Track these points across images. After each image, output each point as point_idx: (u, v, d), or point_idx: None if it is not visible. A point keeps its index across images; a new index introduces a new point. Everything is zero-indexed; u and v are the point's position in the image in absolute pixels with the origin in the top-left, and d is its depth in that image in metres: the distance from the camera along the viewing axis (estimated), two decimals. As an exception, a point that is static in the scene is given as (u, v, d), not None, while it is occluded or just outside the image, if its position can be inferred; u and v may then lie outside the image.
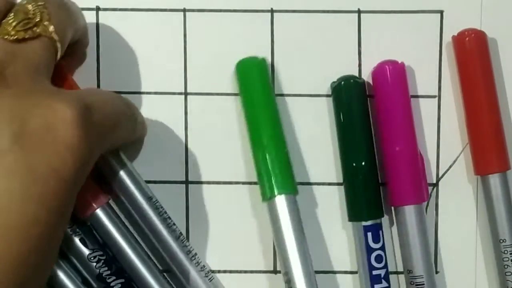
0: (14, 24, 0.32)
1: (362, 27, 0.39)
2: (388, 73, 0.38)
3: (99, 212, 0.36)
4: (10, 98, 0.30)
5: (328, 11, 0.39)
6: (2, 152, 0.29)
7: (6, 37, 0.32)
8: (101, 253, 0.36)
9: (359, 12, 0.39)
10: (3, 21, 0.32)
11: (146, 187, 0.37)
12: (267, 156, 0.38)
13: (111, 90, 0.39)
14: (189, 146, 0.40)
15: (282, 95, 0.40)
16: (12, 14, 0.32)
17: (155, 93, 0.39)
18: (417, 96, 0.39)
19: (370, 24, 0.39)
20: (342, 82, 0.38)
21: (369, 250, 0.38)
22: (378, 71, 0.38)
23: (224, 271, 0.40)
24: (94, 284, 0.36)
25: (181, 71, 0.40)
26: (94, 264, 0.36)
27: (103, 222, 0.36)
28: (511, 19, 0.39)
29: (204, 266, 0.38)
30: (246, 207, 0.40)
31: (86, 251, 0.36)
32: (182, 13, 0.40)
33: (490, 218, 0.39)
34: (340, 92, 0.39)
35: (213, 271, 0.40)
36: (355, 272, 0.40)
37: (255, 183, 0.40)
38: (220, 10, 0.39)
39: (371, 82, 0.39)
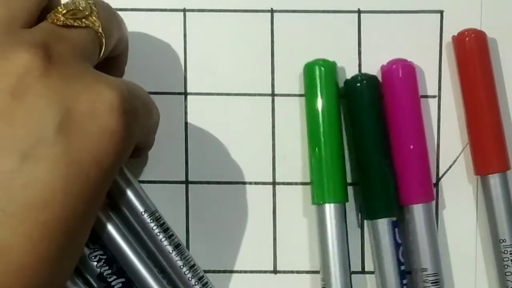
0: (63, 12, 0.32)
1: (362, 27, 0.39)
2: (398, 71, 0.38)
3: (101, 215, 0.36)
4: (57, 79, 0.29)
5: (328, 11, 0.39)
6: (47, 142, 0.28)
7: (54, 21, 0.32)
8: (101, 252, 0.36)
9: (359, 12, 0.39)
10: (53, 10, 0.32)
11: (144, 197, 0.37)
12: (323, 163, 0.38)
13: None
14: (189, 146, 0.40)
15: (281, 95, 0.40)
16: (63, 5, 0.32)
17: (155, 93, 0.39)
18: (423, 97, 0.39)
19: (370, 24, 0.39)
20: (358, 83, 0.38)
21: (397, 246, 0.38)
22: (388, 69, 0.38)
23: (224, 271, 0.40)
24: (94, 284, 0.36)
25: (181, 71, 0.40)
26: (95, 263, 0.35)
27: (105, 224, 0.36)
28: (511, 19, 0.39)
29: (202, 277, 0.38)
30: (246, 207, 0.40)
31: (86, 250, 0.36)
32: (182, 13, 0.40)
33: (490, 218, 0.39)
34: (354, 90, 0.38)
35: (213, 271, 0.40)
36: (359, 272, 0.40)
37: (255, 183, 0.40)
38: (220, 10, 0.39)
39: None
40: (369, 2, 0.39)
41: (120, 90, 0.30)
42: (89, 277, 0.36)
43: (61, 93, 0.29)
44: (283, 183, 0.40)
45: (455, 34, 0.39)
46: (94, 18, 0.33)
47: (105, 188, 0.31)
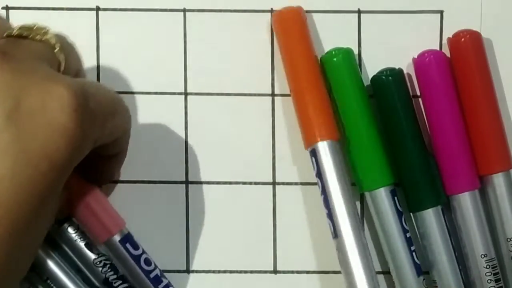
0: (18, 26, 0.32)
1: (362, 27, 0.40)
2: (433, 63, 0.38)
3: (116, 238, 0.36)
4: (9, 73, 0.30)
5: (328, 11, 0.39)
6: None
7: (9, 33, 0.32)
8: (106, 257, 0.36)
9: (359, 12, 0.39)
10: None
11: None
12: (366, 151, 0.38)
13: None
14: (189, 146, 0.40)
15: (281, 95, 0.40)
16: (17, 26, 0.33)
17: (155, 93, 0.39)
18: (417, 96, 0.39)
19: (370, 24, 0.39)
20: (386, 76, 0.38)
21: (450, 233, 0.39)
22: (420, 61, 0.38)
23: (224, 271, 0.40)
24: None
25: (181, 71, 0.40)
26: (100, 268, 0.35)
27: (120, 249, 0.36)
28: (511, 19, 0.39)
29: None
30: (246, 207, 0.40)
31: (92, 256, 0.36)
32: (182, 13, 0.39)
33: (496, 217, 0.39)
34: (385, 85, 0.38)
35: (213, 271, 0.40)
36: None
37: (255, 183, 0.40)
38: (220, 10, 0.39)
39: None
40: (369, 2, 0.39)
41: (72, 87, 0.30)
42: (95, 282, 0.36)
43: (12, 85, 0.29)
44: (283, 183, 0.40)
45: (451, 36, 0.39)
46: (49, 36, 0.33)
47: (57, 186, 0.31)
